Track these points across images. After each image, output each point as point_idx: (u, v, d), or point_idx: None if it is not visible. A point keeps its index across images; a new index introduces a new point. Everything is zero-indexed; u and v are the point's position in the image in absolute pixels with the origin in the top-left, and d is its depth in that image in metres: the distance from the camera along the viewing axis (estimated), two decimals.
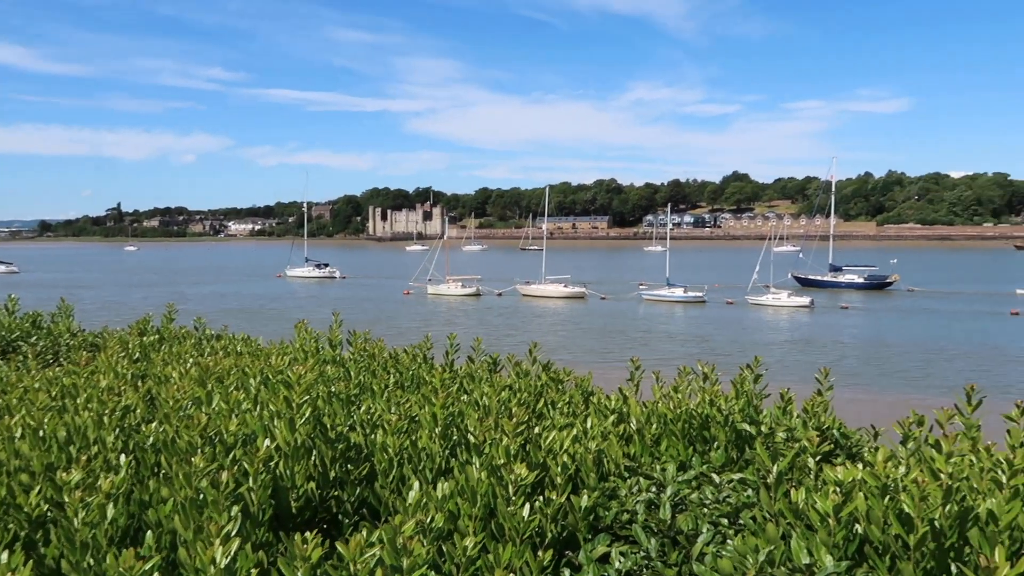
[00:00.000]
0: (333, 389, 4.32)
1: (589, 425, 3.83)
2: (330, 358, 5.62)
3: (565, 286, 73.49)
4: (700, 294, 67.38)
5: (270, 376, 4.57)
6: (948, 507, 2.37)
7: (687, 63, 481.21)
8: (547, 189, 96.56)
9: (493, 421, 3.64)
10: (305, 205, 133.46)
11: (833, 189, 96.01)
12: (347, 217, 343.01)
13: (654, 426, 4.09)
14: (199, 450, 3.17)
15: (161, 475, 3.33)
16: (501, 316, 59.01)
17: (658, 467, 3.52)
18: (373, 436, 3.68)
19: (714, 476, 3.44)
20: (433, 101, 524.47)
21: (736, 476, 3.30)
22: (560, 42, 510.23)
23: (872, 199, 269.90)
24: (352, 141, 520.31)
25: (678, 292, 67.75)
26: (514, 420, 3.40)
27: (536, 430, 3.85)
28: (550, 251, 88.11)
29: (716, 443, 3.90)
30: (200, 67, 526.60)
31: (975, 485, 2.61)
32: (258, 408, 4.00)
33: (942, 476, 2.36)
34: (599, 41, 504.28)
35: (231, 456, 3.15)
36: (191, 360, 5.48)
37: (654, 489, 3.33)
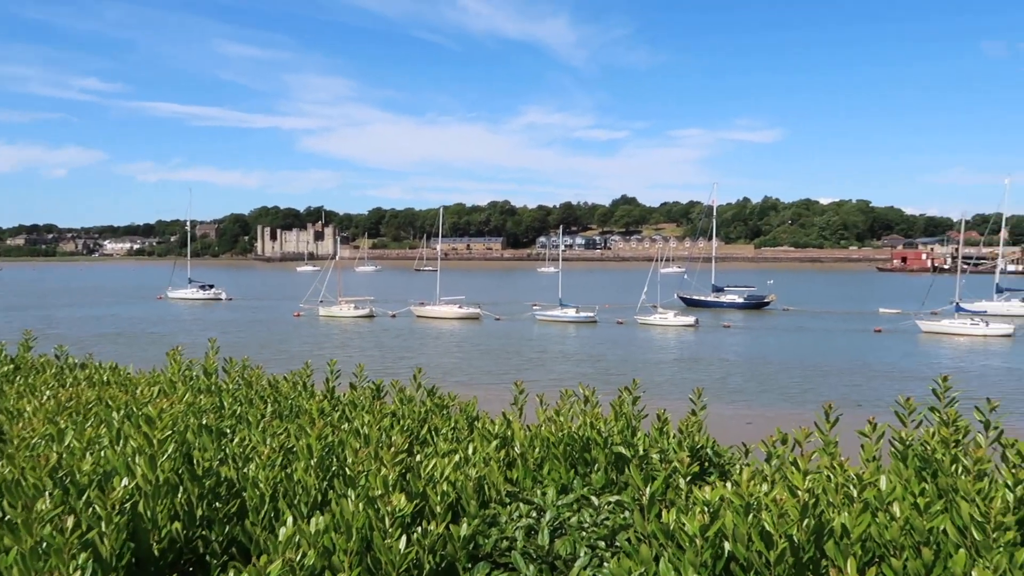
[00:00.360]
0: (204, 421, 4.11)
1: (471, 451, 3.81)
2: (204, 387, 5.35)
3: (460, 307, 73.45)
4: (591, 314, 68.88)
5: (135, 409, 4.30)
6: (806, 522, 2.48)
7: (578, 89, 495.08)
8: (441, 210, 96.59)
9: (372, 450, 3.56)
10: (188, 223, 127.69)
11: (714, 213, 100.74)
12: (234, 236, 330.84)
13: (537, 450, 4.11)
14: (47, 492, 2.93)
15: (4, 521, 3.06)
16: (395, 338, 58.26)
17: (539, 491, 3.53)
18: (246, 470, 3.52)
19: (593, 499, 3.48)
20: (325, 119, 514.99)
21: (614, 498, 3.35)
22: (454, 65, 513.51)
23: (750, 223, 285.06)
24: (240, 158, 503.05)
25: (570, 312, 69.02)
26: (393, 449, 3.33)
27: (418, 458, 3.79)
28: (445, 272, 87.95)
29: (597, 465, 3.95)
30: (74, 77, 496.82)
31: (831, 500, 2.75)
32: (120, 444, 3.75)
33: (799, 493, 2.48)
34: (493, 65, 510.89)
35: (84, 498, 2.93)
36: (48, 392, 5.09)
37: (534, 514, 3.34)
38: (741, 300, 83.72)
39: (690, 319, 66.25)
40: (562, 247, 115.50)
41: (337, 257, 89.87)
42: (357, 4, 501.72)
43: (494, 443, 4.02)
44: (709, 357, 48.72)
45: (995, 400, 3.64)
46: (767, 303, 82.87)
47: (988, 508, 2.48)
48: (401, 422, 4.42)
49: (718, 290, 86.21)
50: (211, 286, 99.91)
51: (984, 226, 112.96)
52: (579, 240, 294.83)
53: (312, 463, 3.48)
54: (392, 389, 5.12)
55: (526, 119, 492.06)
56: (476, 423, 4.70)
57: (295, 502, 3.32)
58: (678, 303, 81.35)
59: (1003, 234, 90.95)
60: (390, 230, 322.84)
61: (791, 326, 66.44)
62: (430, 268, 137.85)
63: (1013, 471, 2.88)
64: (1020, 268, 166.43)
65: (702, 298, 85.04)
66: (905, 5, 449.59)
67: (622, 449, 3.71)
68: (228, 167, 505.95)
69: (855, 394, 36.06)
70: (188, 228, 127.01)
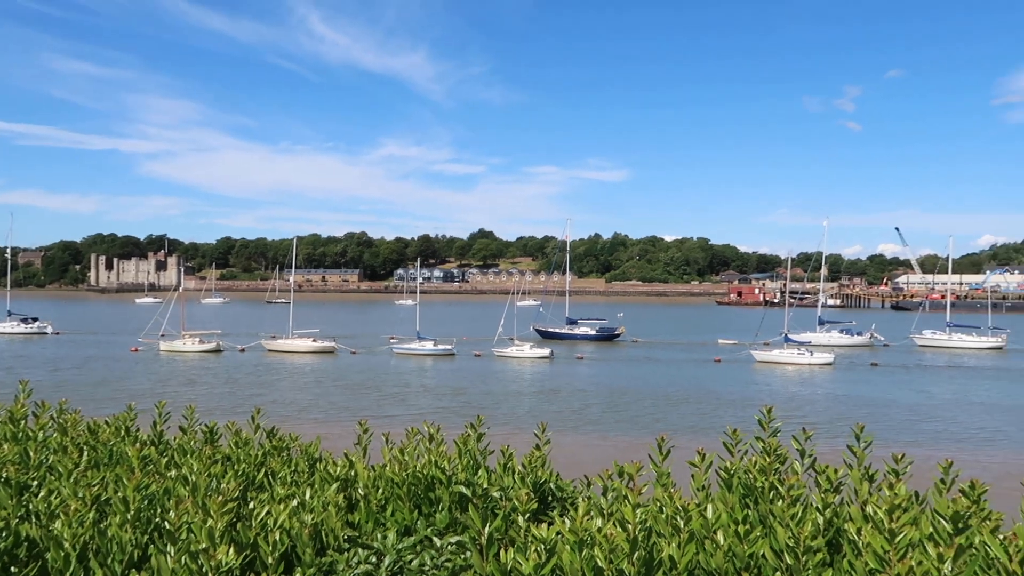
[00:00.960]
0: (4, 474, 3.69)
1: (309, 495, 3.64)
2: (10, 435, 4.81)
3: (314, 340, 71.20)
4: (449, 347, 68.87)
5: None
6: (636, 555, 2.54)
7: (436, 124, 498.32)
8: (295, 240, 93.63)
9: (199, 499, 3.32)
10: (8, 250, 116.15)
11: (568, 248, 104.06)
12: (63, 265, 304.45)
13: (380, 491, 4.00)
14: None
15: None
16: (244, 374, 55.45)
17: (379, 535, 3.42)
18: (51, 527, 3.18)
19: (436, 540, 3.42)
20: (170, 143, 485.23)
21: (455, 539, 3.31)
22: (310, 94, 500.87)
23: (601, 258, 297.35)
24: (72, 181, 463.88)
25: (428, 345, 68.70)
26: (222, 497, 3.12)
27: (251, 505, 3.58)
28: (298, 304, 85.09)
29: (441, 505, 3.89)
30: None
31: (661, 531, 2.84)
32: None
33: (629, 526, 2.54)
34: (350, 96, 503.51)
35: None
36: None
37: (373, 559, 3.22)
38: (594, 332, 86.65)
39: (545, 351, 67.72)
40: (420, 279, 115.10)
41: (181, 288, 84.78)
42: (207, 26, 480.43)
43: (335, 485, 3.86)
44: (564, 388, 49.90)
45: (810, 430, 3.93)
46: (618, 335, 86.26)
47: (799, 532, 2.65)
48: (235, 467, 4.16)
49: (572, 323, 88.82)
50: (34, 319, 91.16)
51: (807, 263, 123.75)
52: (437, 273, 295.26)
53: (129, 516, 3.20)
54: (228, 431, 4.82)
55: (384, 151, 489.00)
56: (318, 465, 4.51)
57: (108, 561, 3.02)
58: (534, 335, 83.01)
59: (823, 271, 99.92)
60: (240, 261, 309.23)
61: (640, 357, 69.44)
62: (283, 300, 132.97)
63: (823, 495, 3.10)
64: (838, 302, 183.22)
65: (557, 330, 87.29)
66: (736, 64, 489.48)
67: (462, 488, 3.68)
68: (59, 190, 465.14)
69: (698, 422, 38.11)
70: (8, 255, 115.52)
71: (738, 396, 46.85)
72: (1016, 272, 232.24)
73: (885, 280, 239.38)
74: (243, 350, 69.86)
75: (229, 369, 58.07)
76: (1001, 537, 2.43)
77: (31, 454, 4.21)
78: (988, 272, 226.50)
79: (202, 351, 68.77)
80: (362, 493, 3.98)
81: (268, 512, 3.37)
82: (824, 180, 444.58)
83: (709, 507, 2.94)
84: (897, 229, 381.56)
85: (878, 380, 55.94)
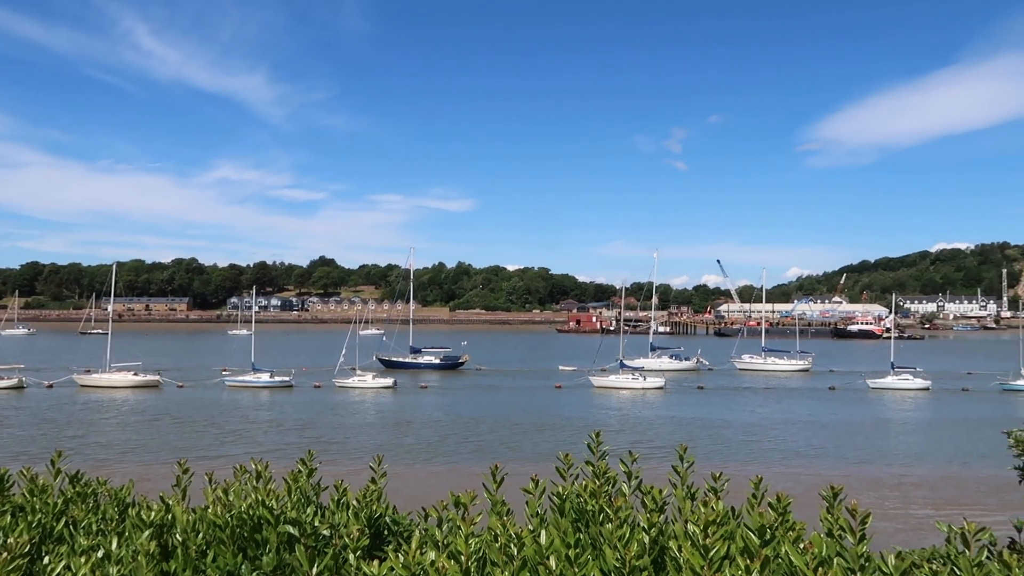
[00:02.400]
0: None
1: (116, 545, 3.31)
2: None
3: (135, 374, 65.91)
4: (287, 378, 66.18)
5: None
6: None
7: (275, 147, 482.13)
8: (114, 266, 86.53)
9: None
10: None
11: (412, 277, 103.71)
12: None
13: (200, 535, 3.71)
14: None
15: None
16: (52, 413, 50.22)
17: None
18: None
19: None
20: None
21: None
22: (135, 110, 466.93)
23: (445, 287, 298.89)
24: None
25: (264, 377, 65.61)
26: (7, 554, 2.77)
27: (46, 560, 3.21)
28: (119, 335, 78.55)
29: (268, 546, 3.68)
30: None
31: (494, 559, 2.83)
32: None
33: (463, 557, 2.51)
34: (181, 115, 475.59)
35: None
36: None
37: None
38: (438, 361, 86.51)
39: (389, 381, 66.70)
40: (256, 308, 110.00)
41: None
42: (15, 32, 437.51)
43: (147, 532, 3.55)
44: (407, 419, 49.30)
45: (644, 451, 4.10)
46: (462, 363, 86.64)
47: (626, 552, 2.73)
48: (29, 518, 3.72)
49: (416, 352, 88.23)
50: None
51: (640, 293, 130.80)
52: (275, 301, 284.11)
53: None
54: (21, 478, 4.31)
55: (219, 173, 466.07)
56: (130, 510, 4.13)
57: None
58: (377, 365, 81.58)
59: (654, 300, 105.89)
60: (49, 288, 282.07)
61: (484, 384, 70.06)
62: (100, 331, 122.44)
63: (649, 515, 3.22)
64: (668, 329, 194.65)
65: (401, 360, 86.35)
66: (573, 105, 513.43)
67: (289, 528, 3.50)
68: None
69: (541, 448, 38.85)
70: None
71: (578, 421, 48.35)
72: (818, 301, 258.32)
73: (709, 308, 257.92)
74: (51, 386, 63.43)
75: (33, 408, 52.41)
76: (801, 546, 2.63)
77: None
78: (796, 301, 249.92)
79: (0, 387, 61.73)
80: (180, 539, 3.68)
81: (67, 567, 3.04)
82: (654, 214, 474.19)
83: (543, 533, 2.96)
84: (718, 261, 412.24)
85: (704, 402, 59.79)
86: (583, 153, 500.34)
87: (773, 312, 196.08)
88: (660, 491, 3.54)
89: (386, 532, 4.02)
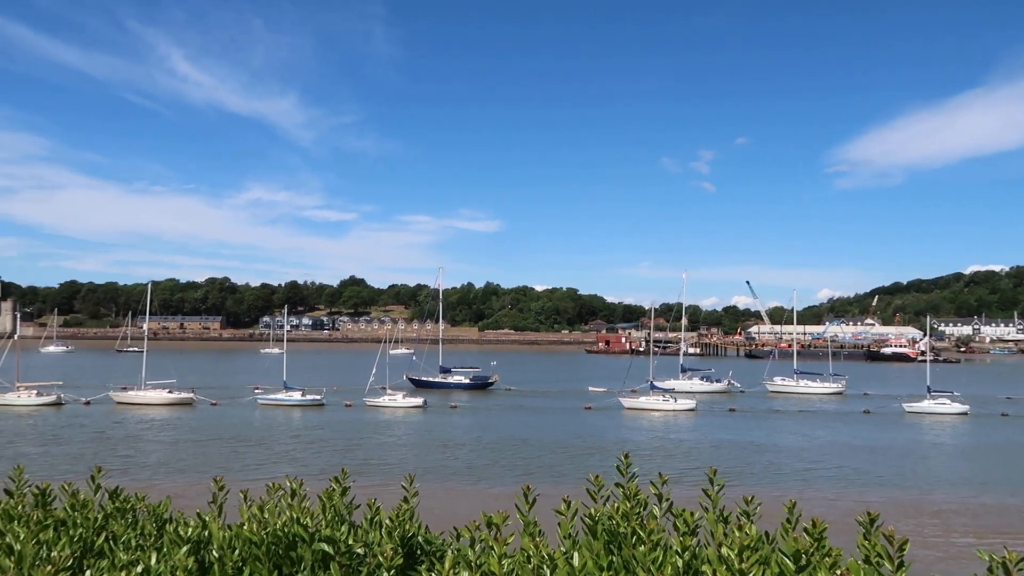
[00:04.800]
0: None
1: (155, 560, 3.38)
2: None
3: (170, 391, 66.87)
4: (319, 397, 66.63)
5: None
6: None
7: (306, 169, 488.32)
8: (149, 285, 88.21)
9: (26, 571, 3.01)
10: None
11: (441, 297, 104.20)
12: None
13: (237, 552, 3.77)
14: None
15: None
16: (90, 429, 51.10)
17: None
18: None
19: None
20: (8, 179, 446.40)
21: None
22: (170, 133, 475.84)
23: (474, 307, 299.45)
24: None
25: (296, 396, 66.14)
26: (51, 567, 2.84)
27: (87, 574, 3.28)
28: (153, 353, 79.79)
29: (303, 564, 3.72)
30: None
31: None
32: None
33: None
34: (214, 138, 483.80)
35: None
36: None
37: None
38: (467, 381, 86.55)
39: (419, 400, 66.83)
40: (287, 327, 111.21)
41: (16, 336, 77.55)
42: (56, 59, 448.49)
43: (185, 548, 3.61)
44: (437, 438, 49.29)
45: (676, 473, 4.08)
46: (491, 383, 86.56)
47: (660, 575, 2.72)
48: (70, 532, 3.81)
49: (445, 371, 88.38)
50: None
51: (669, 314, 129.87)
52: (306, 320, 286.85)
53: None
54: (63, 493, 4.42)
55: (251, 195, 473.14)
56: (168, 526, 4.20)
57: None
58: (407, 384, 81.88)
59: (684, 321, 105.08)
60: (87, 306, 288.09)
61: (514, 405, 69.87)
62: (135, 349, 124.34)
63: (681, 538, 3.21)
64: (698, 351, 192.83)
65: (430, 379, 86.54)
66: (601, 130, 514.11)
67: (324, 546, 3.54)
68: None
69: (570, 470, 38.58)
70: None
71: (608, 443, 47.96)
72: (851, 323, 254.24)
73: (739, 330, 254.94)
74: (88, 403, 64.58)
75: (71, 424, 53.40)
76: (838, 573, 2.60)
77: None
78: (827, 323, 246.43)
79: (39, 404, 62.99)
80: (216, 555, 3.74)
81: None
82: (683, 236, 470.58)
83: (575, 555, 2.97)
84: (748, 283, 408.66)
85: (736, 424, 58.98)
86: (610, 176, 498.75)
87: (804, 334, 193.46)
88: (692, 514, 3.52)
89: (418, 552, 4.04)
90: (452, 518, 5.58)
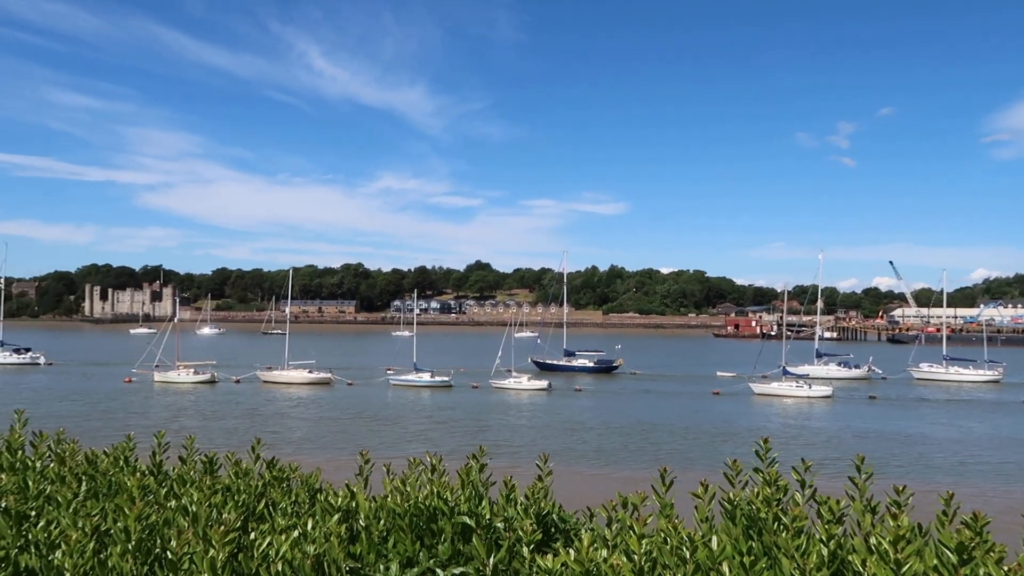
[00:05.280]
0: (4, 504, 3.67)
1: (311, 526, 3.62)
2: (7, 465, 4.79)
3: (310, 371, 70.93)
4: (446, 379, 68.60)
5: None
6: None
7: (434, 157, 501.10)
8: (291, 271, 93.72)
9: (200, 530, 3.30)
10: (2, 281, 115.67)
11: (565, 280, 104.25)
12: (58, 296, 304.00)
13: (382, 522, 3.97)
14: None
15: None
16: (238, 405, 55.12)
17: (382, 566, 3.40)
18: (51, 557, 3.16)
19: (439, 571, 3.40)
20: (167, 175, 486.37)
21: (459, 570, 3.29)
22: (309, 127, 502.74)
23: (598, 290, 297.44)
24: (68, 212, 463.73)
25: (425, 377, 68.40)
26: (223, 528, 3.11)
27: (252, 536, 3.56)
28: (294, 335, 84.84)
29: (443, 536, 3.87)
30: None
31: (666, 562, 2.83)
32: None
33: (635, 557, 2.54)
34: (349, 129, 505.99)
35: None
36: None
37: None
38: (591, 364, 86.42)
39: (543, 383, 67.45)
40: (417, 311, 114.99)
41: (176, 319, 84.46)
42: (207, 62, 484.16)
43: (336, 516, 3.84)
44: (563, 421, 49.63)
45: (812, 461, 3.93)
46: (616, 367, 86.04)
47: (805, 563, 2.65)
48: (235, 497, 4.14)
49: (570, 354, 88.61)
50: (27, 349, 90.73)
51: (803, 296, 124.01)
52: (434, 304, 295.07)
53: (130, 547, 3.18)
54: (227, 461, 4.80)
55: (382, 183, 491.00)
56: (319, 495, 4.49)
57: None
58: (532, 367, 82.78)
59: (819, 304, 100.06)
60: (236, 291, 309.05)
61: (638, 389, 69.19)
62: (279, 331, 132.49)
63: (826, 527, 3.09)
64: (835, 335, 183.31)
65: (555, 362, 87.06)
66: (730, 105, 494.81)
67: (466, 519, 3.66)
68: (55, 221, 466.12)
69: (697, 454, 37.88)
70: (1, 286, 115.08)
71: (738, 428, 46.65)
72: (1010, 306, 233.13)
73: (880, 313, 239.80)
74: (238, 381, 69.53)
75: (224, 400, 57.75)
76: (1006, 569, 2.43)
77: (30, 484, 4.19)
78: (982, 306, 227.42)
79: (197, 382, 68.47)
80: (363, 524, 3.96)
81: (270, 543, 3.36)
82: (819, 214, 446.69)
83: (714, 538, 2.93)
84: (891, 263, 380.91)
85: (877, 413, 55.76)
86: (740, 153, 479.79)
87: (955, 318, 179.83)
88: (837, 502, 3.38)
89: (552, 529, 4.11)
90: (579, 499, 5.63)
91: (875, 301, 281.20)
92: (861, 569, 2.66)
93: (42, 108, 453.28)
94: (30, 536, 3.40)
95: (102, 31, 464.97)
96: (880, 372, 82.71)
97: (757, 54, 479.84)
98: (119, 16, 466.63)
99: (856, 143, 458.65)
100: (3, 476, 4.36)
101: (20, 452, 4.97)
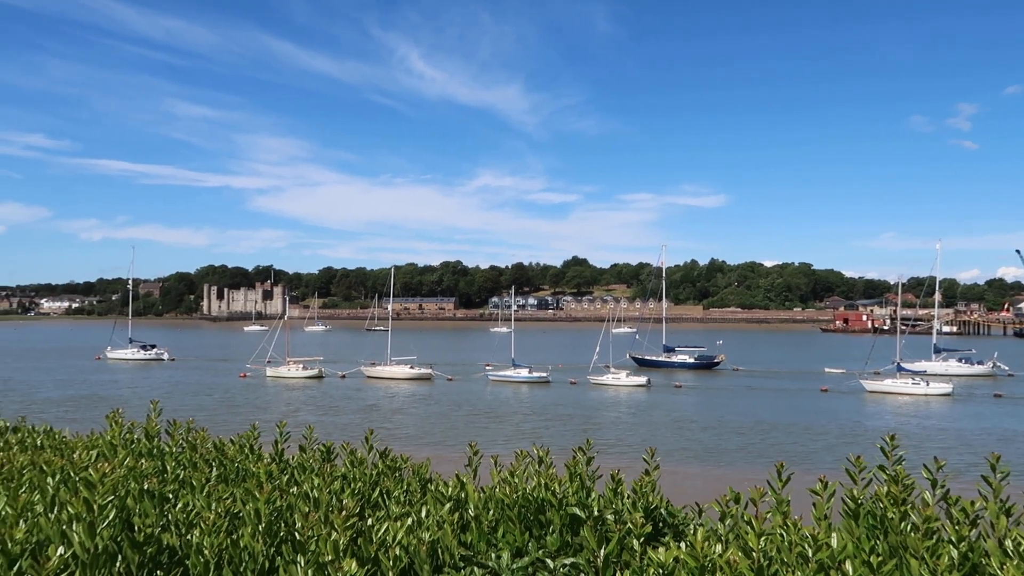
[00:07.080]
0: (146, 486, 3.96)
1: (424, 514, 3.73)
2: (146, 451, 5.16)
3: (411, 367, 72.72)
4: (544, 374, 68.82)
5: (72, 474, 4.12)
6: None
7: (530, 154, 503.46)
8: (392, 269, 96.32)
9: (322, 515, 3.46)
10: (130, 281, 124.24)
11: (664, 275, 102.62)
12: (179, 295, 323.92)
13: (491, 512, 4.04)
14: None
15: None
16: (345, 399, 57.18)
17: (493, 555, 3.47)
18: (189, 536, 3.39)
19: (549, 561, 3.43)
20: (277, 179, 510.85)
21: (569, 561, 3.31)
22: (408, 128, 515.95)
23: (698, 284, 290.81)
24: (188, 216, 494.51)
25: (523, 372, 68.87)
26: (344, 513, 3.25)
27: (369, 522, 3.70)
28: (396, 332, 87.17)
29: (552, 527, 3.90)
30: (16, 133, 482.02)
31: (785, 559, 2.76)
32: (55, 510, 3.58)
33: (754, 553, 2.49)
34: (447, 129, 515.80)
35: (16, 568, 2.77)
36: None
37: None
38: (692, 360, 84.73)
39: (642, 379, 66.66)
40: (514, 307, 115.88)
41: (286, 317, 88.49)
42: (313, 69, 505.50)
43: (447, 505, 3.94)
44: (663, 417, 48.92)
45: (941, 459, 3.73)
46: (717, 363, 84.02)
47: (936, 565, 2.53)
48: (352, 485, 4.31)
49: (669, 350, 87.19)
50: (153, 346, 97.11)
51: (919, 289, 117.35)
52: (531, 300, 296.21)
53: (260, 528, 3.37)
54: (343, 451, 5.01)
55: (480, 182, 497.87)
56: (429, 485, 4.61)
57: (241, 569, 3.19)
58: (630, 363, 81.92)
59: (937, 296, 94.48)
60: (341, 290, 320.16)
61: (741, 386, 67.32)
62: (381, 328, 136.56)
63: (957, 528, 2.94)
64: (954, 329, 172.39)
65: (654, 358, 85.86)
66: (837, 87, 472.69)
67: (576, 510, 3.68)
68: (176, 225, 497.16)
69: (807, 452, 36.50)
70: (130, 286, 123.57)
71: (850, 427, 44.69)
72: None
73: (1006, 306, 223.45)
74: (344, 376, 72.06)
75: (332, 394, 60.03)
76: None
77: (167, 468, 4.50)
78: None
79: (305, 377, 71.41)
80: (473, 514, 4.04)
81: (386, 529, 3.48)
82: (935, 201, 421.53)
83: (834, 536, 2.83)
84: (1019, 252, 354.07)
85: (1004, 413, 52.13)
86: (848, 139, 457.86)
87: None
88: (972, 503, 3.20)
89: (661, 524, 4.08)
90: (685, 495, 5.55)
91: (1000, 293, 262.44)
92: (999, 572, 2.51)
93: (165, 119, 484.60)
94: (170, 516, 3.65)
95: (216, 44, 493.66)
96: (1006, 368, 77.20)
97: (867, 29, 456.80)
98: (231, 28, 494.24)
99: (978, 124, 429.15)
100: (144, 461, 4.70)
101: (156, 439, 5.34)
